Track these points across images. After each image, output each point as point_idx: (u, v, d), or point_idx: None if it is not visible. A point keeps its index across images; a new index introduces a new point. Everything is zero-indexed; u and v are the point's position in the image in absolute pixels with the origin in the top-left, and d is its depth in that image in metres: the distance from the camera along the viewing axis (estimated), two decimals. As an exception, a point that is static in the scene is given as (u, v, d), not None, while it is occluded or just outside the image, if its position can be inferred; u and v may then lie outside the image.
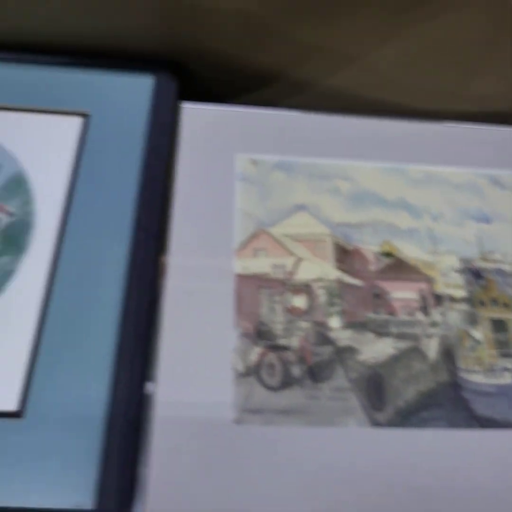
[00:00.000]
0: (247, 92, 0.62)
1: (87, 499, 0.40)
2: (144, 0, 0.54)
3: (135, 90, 0.59)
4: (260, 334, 0.47)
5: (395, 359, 0.47)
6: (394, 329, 0.49)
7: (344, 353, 0.47)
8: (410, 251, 0.53)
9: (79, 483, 0.41)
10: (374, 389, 0.46)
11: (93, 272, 0.49)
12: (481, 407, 0.46)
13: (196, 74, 0.61)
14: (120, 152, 0.55)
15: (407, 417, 0.45)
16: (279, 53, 0.57)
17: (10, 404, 0.43)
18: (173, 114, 0.58)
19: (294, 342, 0.47)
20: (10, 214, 0.52)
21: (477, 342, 0.49)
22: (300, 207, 0.54)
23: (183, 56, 0.60)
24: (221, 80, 0.62)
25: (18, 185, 0.53)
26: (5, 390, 0.43)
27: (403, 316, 0.50)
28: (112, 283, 0.49)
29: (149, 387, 0.44)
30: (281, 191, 0.55)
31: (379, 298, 0.51)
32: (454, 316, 0.50)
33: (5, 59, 0.59)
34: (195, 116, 0.58)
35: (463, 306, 0.51)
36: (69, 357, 0.45)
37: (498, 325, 0.50)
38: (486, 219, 0.56)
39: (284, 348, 0.47)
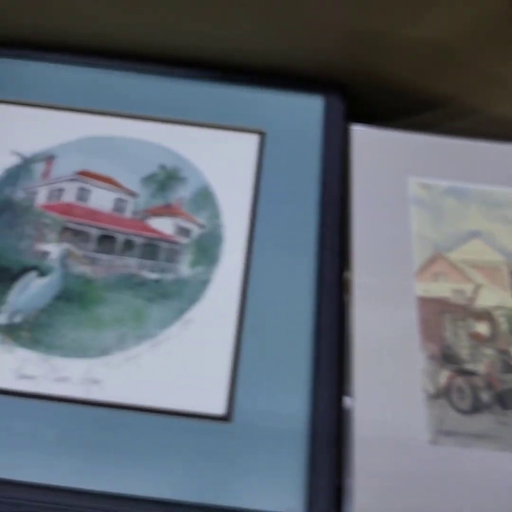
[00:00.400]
0: (409, 115, 0.63)
1: (298, 504, 0.43)
2: (331, 24, 0.56)
3: (306, 110, 0.62)
4: (447, 357, 0.49)
5: None
6: None
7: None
8: None
9: (289, 487, 0.43)
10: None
11: (284, 285, 0.52)
12: None
13: (361, 95, 0.63)
14: (296, 170, 0.58)
15: None
16: (457, 80, 0.58)
17: (218, 408, 0.46)
18: (344, 135, 0.60)
19: (481, 367, 0.48)
20: (201, 226, 0.55)
21: None
22: (474, 234, 0.55)
23: (352, 78, 0.62)
24: (385, 102, 0.64)
25: (205, 198, 0.56)
26: (212, 394, 0.46)
27: None
28: (303, 297, 0.51)
29: (347, 401, 0.46)
30: (454, 216, 0.56)
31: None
32: None
33: (188, 76, 0.63)
34: (365, 138, 0.60)
35: None
36: (268, 366, 0.48)
37: None
38: None
39: (472, 373, 0.48)
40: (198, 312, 0.50)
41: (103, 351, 0.48)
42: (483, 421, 0.46)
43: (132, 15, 0.58)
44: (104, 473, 0.43)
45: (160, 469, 0.43)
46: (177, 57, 0.62)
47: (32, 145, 0.58)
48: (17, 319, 0.49)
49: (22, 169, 0.56)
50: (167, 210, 0.55)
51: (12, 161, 0.57)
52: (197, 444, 0.44)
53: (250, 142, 0.59)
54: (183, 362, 0.48)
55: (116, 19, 0.59)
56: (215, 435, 0.45)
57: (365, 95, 0.63)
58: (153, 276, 0.52)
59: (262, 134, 0.60)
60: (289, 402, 0.46)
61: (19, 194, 0.55)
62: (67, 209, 0.55)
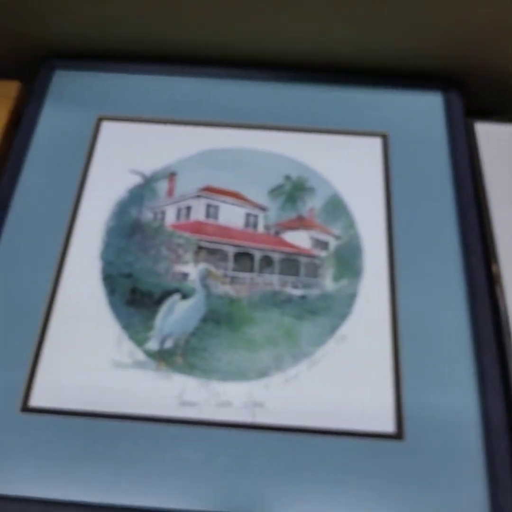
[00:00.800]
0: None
1: (486, 522, 0.42)
2: (448, 18, 0.54)
3: (427, 109, 0.59)
4: None
5: None
6: None
7: None
8: None
9: (472, 504, 0.42)
10: None
11: (433, 290, 0.50)
12: None
13: (477, 91, 0.61)
14: (426, 172, 0.56)
15: None
16: None
17: (387, 425, 0.45)
18: (467, 132, 0.58)
19: None
20: (337, 237, 0.54)
21: None
22: None
23: (468, 73, 0.60)
24: (496, 97, 0.62)
25: (336, 207, 0.55)
26: (378, 411, 0.45)
27: None
28: (454, 299, 0.49)
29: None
30: None
31: None
32: None
33: (302, 80, 0.61)
34: (491, 134, 0.58)
35: None
36: (431, 376, 0.46)
37: None
38: None
39: None
40: (350, 327, 0.49)
41: (262, 373, 0.47)
42: None
43: (240, 21, 0.57)
44: (286, 497, 0.42)
45: (341, 491, 0.43)
46: (290, 61, 0.60)
47: (151, 163, 0.56)
48: (168, 344, 0.48)
49: (145, 188, 0.55)
50: (300, 223, 0.54)
51: (133, 180, 0.56)
52: (371, 464, 0.44)
53: (374, 145, 0.57)
54: (343, 380, 0.46)
55: (225, 26, 0.57)
56: (388, 453, 0.44)
57: (481, 90, 0.61)
58: (298, 292, 0.51)
59: (384, 136, 0.58)
60: (458, 411, 0.45)
61: (146, 215, 0.54)
62: (198, 228, 0.53)
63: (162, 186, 0.55)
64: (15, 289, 0.50)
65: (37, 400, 0.46)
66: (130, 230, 0.53)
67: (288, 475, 0.43)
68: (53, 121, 0.59)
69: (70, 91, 0.61)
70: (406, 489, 0.43)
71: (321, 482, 0.43)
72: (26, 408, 0.45)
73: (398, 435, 0.44)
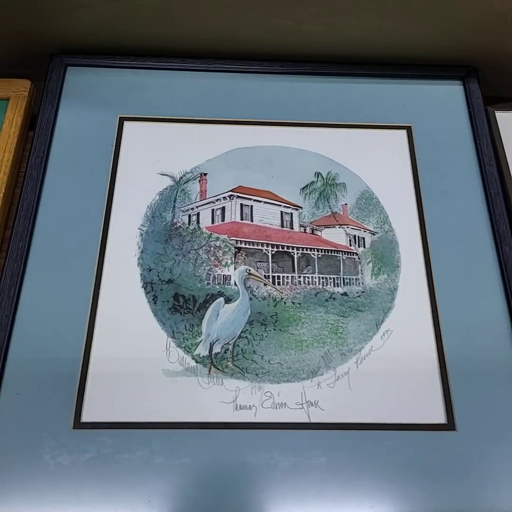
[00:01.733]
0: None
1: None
2: (463, 7, 0.54)
3: (447, 99, 0.60)
4: None
5: None
6: None
7: None
8: None
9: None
10: None
11: (469, 280, 0.51)
12: None
13: (494, 79, 0.62)
14: (452, 161, 0.57)
15: None
16: None
17: (438, 416, 0.46)
18: (488, 120, 0.59)
19: None
20: (372, 233, 0.54)
21: None
22: None
23: (486, 62, 0.61)
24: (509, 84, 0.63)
25: (369, 202, 0.55)
26: (429, 403, 0.46)
27: None
28: (492, 294, 0.51)
29: None
30: None
31: None
32: None
33: (320, 73, 0.60)
34: (510, 122, 0.59)
35: None
36: (476, 365, 0.48)
37: None
38: None
39: None
40: (394, 321, 0.50)
41: (313, 372, 0.47)
42: None
43: (262, 15, 0.55)
44: (349, 493, 0.43)
45: (401, 483, 0.44)
46: (311, 55, 0.59)
47: (179, 164, 0.55)
48: (217, 349, 0.48)
49: (176, 190, 0.54)
50: (335, 220, 0.54)
51: (162, 182, 0.55)
52: (427, 455, 0.45)
53: (399, 138, 0.58)
54: (391, 374, 0.47)
55: (247, 21, 0.55)
56: (441, 444, 0.45)
57: (497, 78, 0.62)
58: (339, 290, 0.51)
59: (408, 128, 0.58)
60: (506, 399, 0.47)
61: (180, 218, 0.53)
62: (234, 229, 0.53)
63: (193, 188, 0.55)
64: (54, 306, 0.49)
65: (88, 415, 0.45)
66: (166, 234, 0.52)
67: (350, 471, 0.44)
68: (71, 122, 0.57)
69: (86, 90, 0.59)
70: (462, 478, 0.44)
71: (380, 476, 0.44)
72: (78, 425, 0.45)
73: (450, 426, 0.46)
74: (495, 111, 0.60)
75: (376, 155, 0.57)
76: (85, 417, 0.45)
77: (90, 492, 0.43)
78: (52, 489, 0.43)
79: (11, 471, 0.44)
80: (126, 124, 0.57)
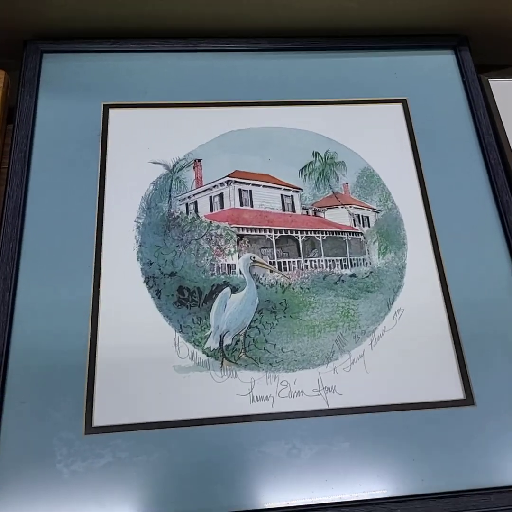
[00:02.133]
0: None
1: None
2: None
3: (440, 69, 0.58)
4: None
5: None
6: None
7: None
8: None
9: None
10: None
11: (477, 255, 0.51)
12: None
13: (484, 47, 0.60)
14: (450, 133, 0.56)
15: None
16: None
17: (456, 392, 0.46)
18: (482, 89, 0.58)
19: None
20: (376, 211, 0.53)
21: None
22: None
23: (476, 30, 0.59)
24: (502, 51, 0.62)
25: (370, 180, 0.54)
26: (446, 380, 0.46)
27: None
28: (499, 266, 0.50)
29: None
30: None
31: None
32: None
33: (312, 48, 0.58)
34: (505, 91, 0.58)
35: None
36: (490, 341, 0.47)
37: None
38: None
39: None
40: (405, 300, 0.49)
41: (327, 357, 0.46)
42: None
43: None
44: (375, 476, 0.43)
45: (425, 461, 0.43)
46: (301, 29, 0.57)
47: (171, 151, 0.53)
48: (227, 340, 0.47)
49: (170, 179, 0.52)
50: (337, 200, 0.53)
51: (155, 171, 0.52)
52: (447, 431, 0.45)
53: (395, 112, 0.56)
54: (406, 353, 0.47)
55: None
56: (461, 420, 0.45)
57: (488, 46, 0.61)
58: (347, 271, 0.50)
59: (404, 101, 0.57)
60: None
61: (177, 208, 0.51)
62: (235, 216, 0.51)
63: (188, 175, 0.52)
64: (53, 309, 0.47)
65: (100, 419, 0.43)
66: (165, 225, 0.50)
67: (373, 454, 0.43)
68: (52, 113, 0.54)
69: (65, 77, 0.56)
70: (483, 452, 0.44)
71: (404, 457, 0.44)
72: (90, 429, 0.43)
73: (468, 401, 0.46)
74: (489, 79, 0.59)
75: (373, 131, 0.55)
76: (97, 422, 0.43)
77: (110, 497, 0.42)
78: (69, 499, 0.41)
79: (23, 483, 0.42)
80: (112, 111, 0.54)
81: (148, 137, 0.53)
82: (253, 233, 0.51)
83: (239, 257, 0.49)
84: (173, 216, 0.51)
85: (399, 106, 0.57)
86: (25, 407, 0.43)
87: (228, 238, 0.50)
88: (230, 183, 0.52)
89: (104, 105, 0.54)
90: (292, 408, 0.45)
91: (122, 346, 0.46)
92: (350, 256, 0.51)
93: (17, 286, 0.47)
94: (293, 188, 0.53)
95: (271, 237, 0.51)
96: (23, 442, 0.43)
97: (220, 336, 0.47)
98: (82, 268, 0.48)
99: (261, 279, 0.49)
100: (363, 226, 0.52)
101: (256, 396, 0.45)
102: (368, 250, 0.51)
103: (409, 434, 0.44)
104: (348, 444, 0.44)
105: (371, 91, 0.57)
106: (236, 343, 0.47)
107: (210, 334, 0.47)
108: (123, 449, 0.43)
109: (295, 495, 0.42)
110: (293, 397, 0.45)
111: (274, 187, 0.52)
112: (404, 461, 0.44)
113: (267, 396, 0.45)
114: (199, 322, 0.47)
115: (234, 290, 0.48)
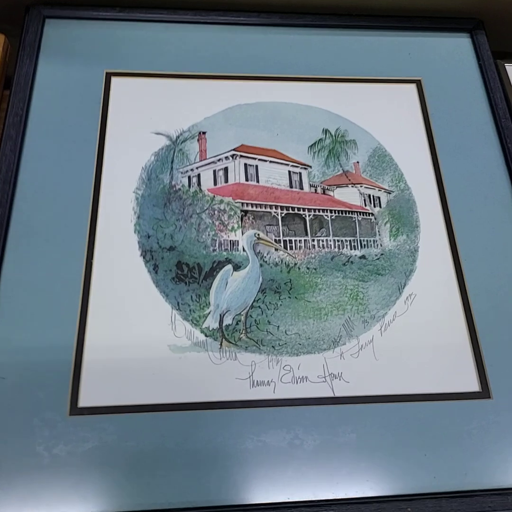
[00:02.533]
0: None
1: None
2: None
3: (456, 51, 0.56)
4: None
5: None
6: None
7: None
8: None
9: None
10: None
11: (492, 239, 0.48)
12: None
13: (501, 31, 0.58)
14: (465, 116, 0.53)
15: None
16: None
17: (471, 384, 0.43)
18: (498, 73, 0.56)
19: None
20: (388, 192, 0.50)
21: None
22: None
23: (492, 15, 0.57)
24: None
25: (382, 160, 0.51)
26: (461, 371, 0.43)
27: None
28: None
29: None
30: None
31: None
32: None
33: (326, 25, 0.55)
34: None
35: None
36: (507, 333, 0.45)
37: None
38: None
39: None
40: (417, 285, 0.46)
41: (334, 342, 0.43)
42: None
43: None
44: (383, 470, 0.39)
45: (437, 455, 0.40)
46: (313, 5, 0.54)
47: (174, 122, 0.50)
48: (228, 320, 0.44)
49: (173, 150, 0.49)
50: (347, 179, 0.50)
51: (157, 142, 0.49)
52: (462, 425, 0.41)
53: (409, 92, 0.54)
54: (418, 341, 0.44)
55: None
56: (477, 413, 0.42)
57: (503, 30, 0.59)
58: (357, 253, 0.47)
59: (418, 82, 0.54)
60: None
61: (179, 180, 0.48)
62: (239, 191, 0.48)
63: (192, 147, 0.49)
64: (43, 281, 0.43)
65: (86, 400, 0.40)
66: (165, 198, 0.47)
67: (382, 448, 0.40)
68: (51, 79, 0.51)
69: (67, 44, 0.53)
70: (501, 448, 0.41)
71: (416, 451, 0.40)
72: (75, 410, 0.39)
73: (484, 394, 0.42)
74: (505, 64, 0.57)
75: (386, 111, 0.53)
76: (83, 402, 0.40)
77: (93, 486, 0.38)
78: (48, 485, 0.38)
79: (-1, 466, 0.39)
80: (114, 80, 0.51)
81: (151, 108, 0.51)
82: (258, 209, 0.48)
83: (242, 234, 0.47)
84: (174, 189, 0.48)
85: (413, 86, 0.54)
86: (4, 383, 0.40)
87: (232, 213, 0.47)
88: (236, 157, 0.49)
89: (106, 73, 0.51)
90: (295, 394, 0.41)
91: (114, 323, 0.42)
92: (360, 237, 0.48)
93: (4, 258, 0.44)
94: (302, 164, 0.50)
95: (277, 214, 0.48)
96: (0, 421, 0.39)
97: (220, 315, 0.44)
98: (75, 238, 0.45)
99: (265, 257, 0.46)
100: (374, 206, 0.49)
101: (257, 381, 0.42)
102: (379, 232, 0.48)
103: (421, 427, 0.41)
104: (354, 436, 0.40)
105: (384, 71, 0.54)
106: (237, 324, 0.43)
107: (209, 313, 0.44)
108: (110, 433, 0.39)
109: (296, 490, 0.39)
110: (297, 383, 0.42)
111: (281, 163, 0.50)
112: (415, 456, 0.40)
113: (268, 381, 0.42)
114: (198, 300, 0.44)
115: (237, 267, 0.45)
